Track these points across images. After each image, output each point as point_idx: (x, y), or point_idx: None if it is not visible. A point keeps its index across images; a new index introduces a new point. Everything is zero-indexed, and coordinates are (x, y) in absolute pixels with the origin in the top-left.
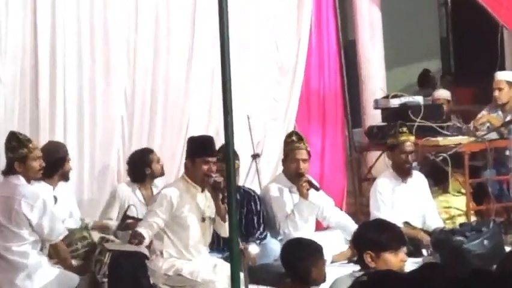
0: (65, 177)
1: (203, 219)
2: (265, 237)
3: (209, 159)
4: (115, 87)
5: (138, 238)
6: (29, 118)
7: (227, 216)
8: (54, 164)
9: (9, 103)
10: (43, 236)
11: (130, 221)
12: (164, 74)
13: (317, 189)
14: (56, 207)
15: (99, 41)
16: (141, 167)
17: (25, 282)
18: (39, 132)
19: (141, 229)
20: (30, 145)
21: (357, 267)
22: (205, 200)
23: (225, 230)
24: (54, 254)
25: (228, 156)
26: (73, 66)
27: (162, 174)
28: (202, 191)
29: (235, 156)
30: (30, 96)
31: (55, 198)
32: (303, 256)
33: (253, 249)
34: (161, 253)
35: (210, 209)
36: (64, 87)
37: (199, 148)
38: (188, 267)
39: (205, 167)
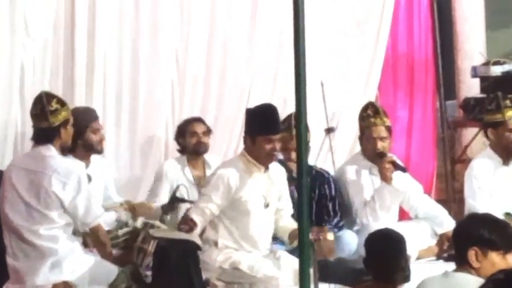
0: (90, 149)
1: (267, 205)
2: (342, 227)
3: (273, 137)
4: (165, 48)
5: (189, 224)
6: (62, 81)
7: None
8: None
9: (39, 63)
10: (77, 218)
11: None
12: (223, 32)
13: (404, 171)
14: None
15: None
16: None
17: (53, 270)
18: (74, 98)
19: (193, 215)
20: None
21: (449, 265)
22: (269, 182)
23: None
24: (92, 239)
25: (299, 130)
26: (115, 22)
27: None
28: (265, 170)
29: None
30: (64, 57)
31: (89, 177)
32: (392, 252)
33: (330, 236)
34: (216, 243)
35: (273, 193)
36: (103, 46)
37: (261, 125)
38: (247, 260)
39: (268, 147)
